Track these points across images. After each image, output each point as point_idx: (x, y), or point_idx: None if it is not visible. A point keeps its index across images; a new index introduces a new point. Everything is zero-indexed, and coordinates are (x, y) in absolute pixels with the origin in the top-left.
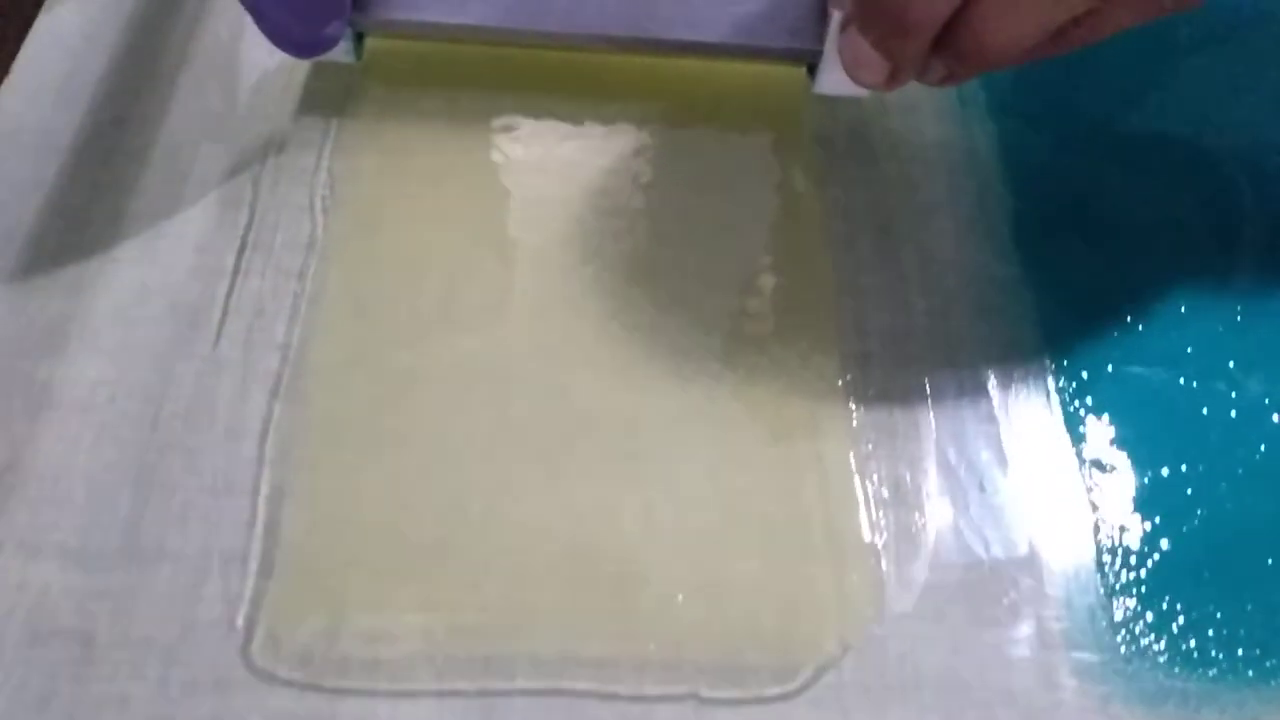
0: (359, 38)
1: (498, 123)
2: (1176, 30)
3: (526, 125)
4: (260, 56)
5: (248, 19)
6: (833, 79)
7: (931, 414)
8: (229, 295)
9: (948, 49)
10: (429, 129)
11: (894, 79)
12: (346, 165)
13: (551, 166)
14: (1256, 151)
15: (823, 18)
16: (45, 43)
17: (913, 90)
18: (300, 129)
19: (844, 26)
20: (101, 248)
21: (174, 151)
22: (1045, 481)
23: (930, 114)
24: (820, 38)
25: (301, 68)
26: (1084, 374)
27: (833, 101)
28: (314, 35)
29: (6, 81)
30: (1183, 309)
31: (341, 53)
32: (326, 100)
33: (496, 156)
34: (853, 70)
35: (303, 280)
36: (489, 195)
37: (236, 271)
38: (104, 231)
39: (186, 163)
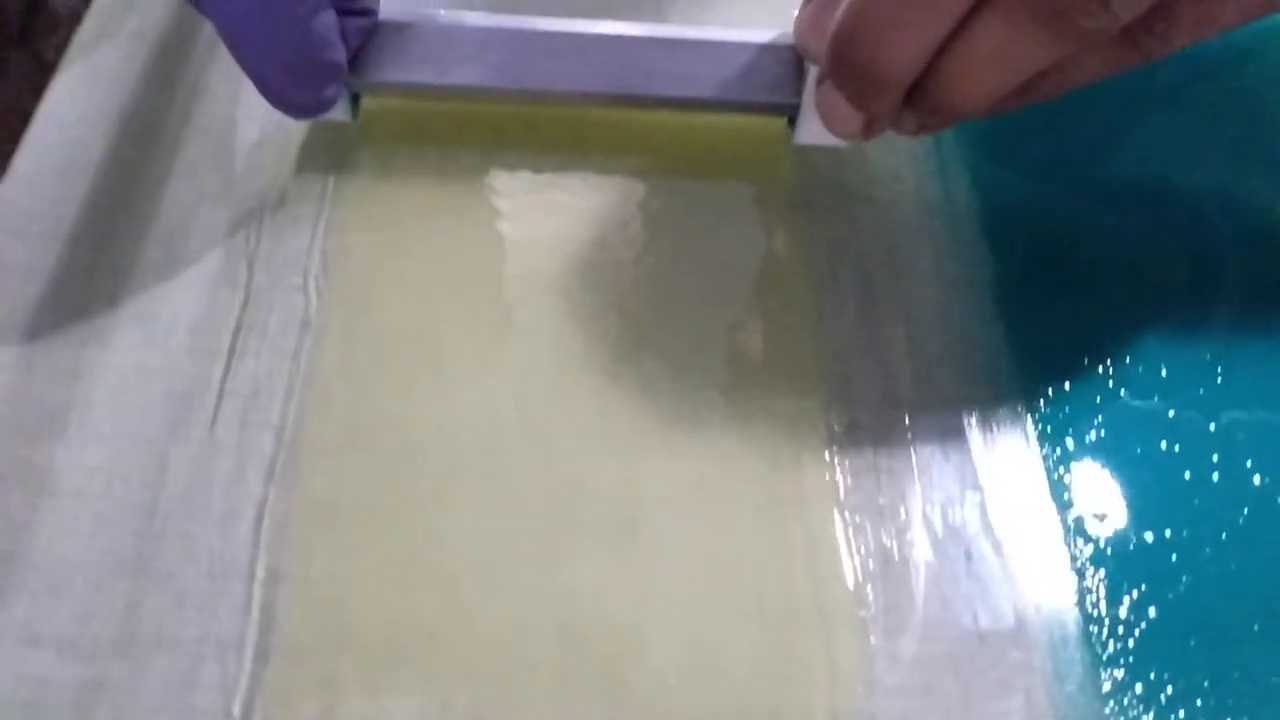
0: (355, 98)
1: (487, 190)
2: (1154, 75)
3: (516, 193)
4: (252, 133)
5: (242, 97)
6: (811, 130)
7: (918, 484)
8: (224, 377)
9: (918, 103)
10: (419, 200)
11: (869, 130)
12: (338, 242)
13: (542, 238)
14: (1234, 192)
15: (800, 72)
16: (44, 130)
17: (891, 143)
18: (293, 206)
19: (819, 81)
20: (99, 332)
21: (169, 234)
22: (1031, 550)
23: (909, 167)
24: (798, 92)
25: (292, 145)
26: (1068, 441)
27: (813, 153)
28: (313, 99)
29: (6, 171)
30: (1164, 372)
31: (339, 112)
32: (318, 177)
33: (486, 230)
34: (829, 123)
35: (297, 360)
36: (480, 269)
37: (232, 353)
38: (101, 316)
39: (181, 245)
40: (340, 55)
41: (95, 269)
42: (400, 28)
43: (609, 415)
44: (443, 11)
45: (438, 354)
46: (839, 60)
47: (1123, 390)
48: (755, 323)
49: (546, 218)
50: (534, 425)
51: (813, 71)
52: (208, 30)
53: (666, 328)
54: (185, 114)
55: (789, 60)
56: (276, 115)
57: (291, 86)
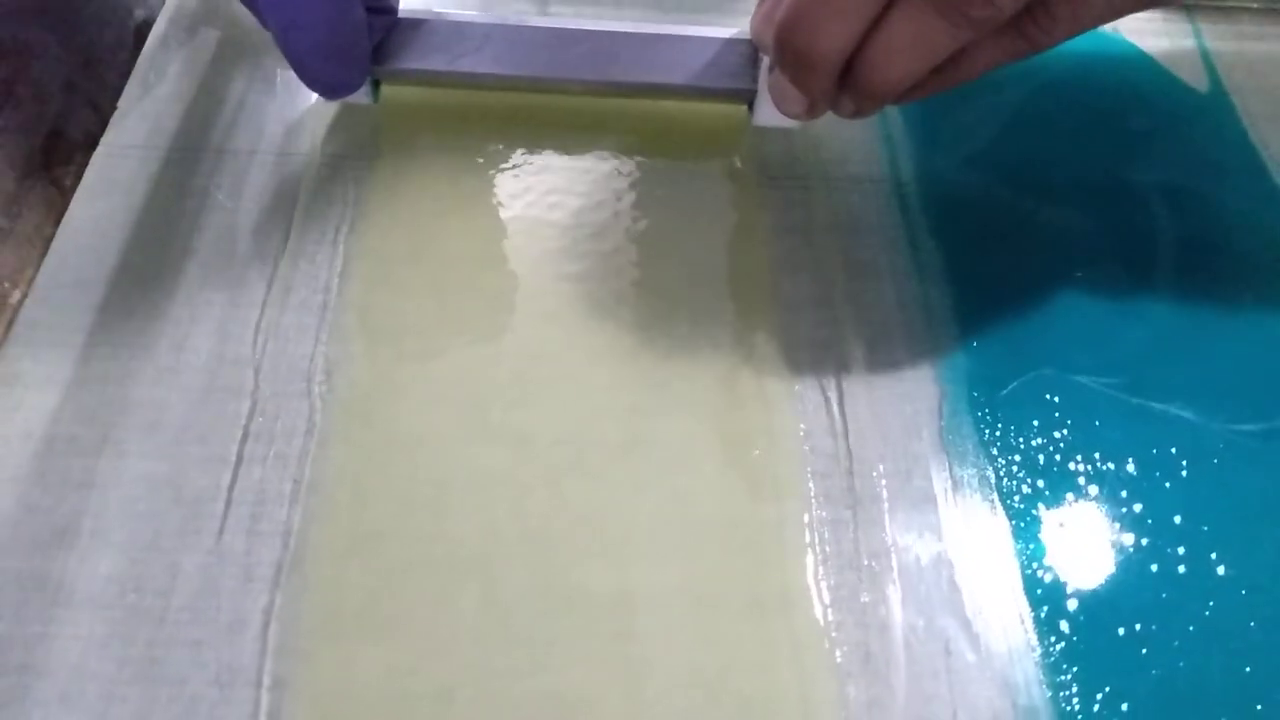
0: (375, 84)
1: (486, 286)
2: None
3: (514, 284)
4: (255, 242)
5: (244, 205)
6: (766, 112)
7: (897, 581)
8: (232, 485)
9: (850, 86)
10: (416, 306)
11: (812, 110)
12: (340, 350)
13: (536, 343)
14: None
15: (756, 62)
16: (61, 243)
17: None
18: (295, 314)
19: (771, 68)
20: (111, 442)
21: (179, 342)
22: (1007, 645)
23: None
24: (755, 79)
25: (294, 254)
26: (1041, 538)
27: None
28: (344, 79)
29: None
30: (1135, 465)
31: (362, 95)
32: (320, 285)
33: (487, 343)
34: (779, 103)
35: (301, 467)
36: (477, 378)
37: (239, 461)
38: (113, 425)
39: (190, 352)
40: (368, 43)
41: (108, 378)
42: (416, 23)
43: (602, 523)
44: (452, 10)
45: (436, 460)
46: (782, 47)
47: (1091, 488)
48: (742, 407)
49: (541, 302)
50: (529, 533)
51: (765, 61)
52: (215, 140)
53: (655, 403)
54: (193, 223)
55: (746, 53)
56: (278, 223)
57: (326, 68)
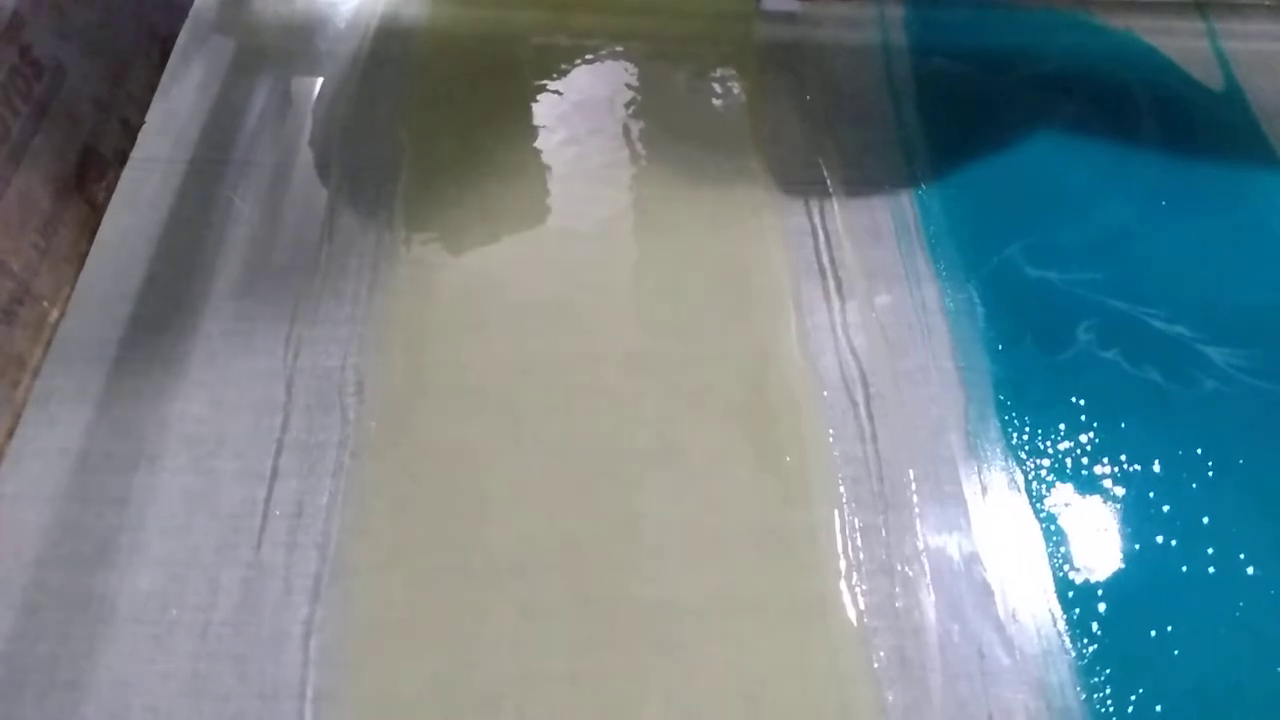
0: None
1: (514, 294)
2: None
3: (542, 292)
4: (282, 255)
5: (268, 218)
6: None
7: (931, 586)
8: (268, 499)
9: None
10: (445, 317)
11: None
12: (370, 361)
13: (567, 352)
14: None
15: None
16: (90, 258)
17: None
18: (325, 326)
19: None
20: (146, 458)
21: (210, 356)
22: (1040, 649)
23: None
24: None
25: (321, 268)
26: (1071, 541)
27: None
28: None
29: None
30: (1161, 466)
31: None
32: (348, 296)
33: (518, 352)
34: None
35: (337, 479)
36: (509, 388)
37: (274, 475)
38: (148, 441)
39: (222, 366)
40: None
41: (141, 393)
42: None
43: (637, 531)
44: None
45: (472, 472)
46: None
47: (1112, 488)
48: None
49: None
50: (566, 541)
51: None
52: (237, 153)
53: (686, 412)
54: (219, 236)
55: None
56: (303, 235)
57: None
